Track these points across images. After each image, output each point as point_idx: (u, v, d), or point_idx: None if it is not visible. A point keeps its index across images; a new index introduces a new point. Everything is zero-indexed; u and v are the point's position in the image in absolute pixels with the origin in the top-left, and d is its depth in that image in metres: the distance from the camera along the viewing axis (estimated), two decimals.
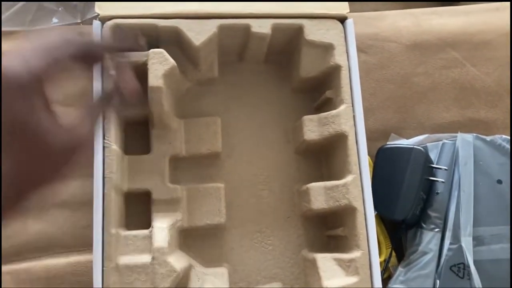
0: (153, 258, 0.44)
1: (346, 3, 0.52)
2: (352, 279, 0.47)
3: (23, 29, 0.58)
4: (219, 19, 0.50)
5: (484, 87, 0.61)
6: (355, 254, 0.47)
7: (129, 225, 0.50)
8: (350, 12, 0.52)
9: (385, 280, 0.54)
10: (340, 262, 0.48)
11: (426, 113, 0.60)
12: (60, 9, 0.60)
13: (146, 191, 0.50)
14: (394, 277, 0.53)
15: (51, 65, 0.26)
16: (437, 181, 0.54)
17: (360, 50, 0.57)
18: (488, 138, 0.56)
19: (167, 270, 0.44)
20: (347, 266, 0.48)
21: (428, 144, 0.57)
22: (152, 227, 0.47)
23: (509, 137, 0.56)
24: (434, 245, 0.52)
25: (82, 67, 0.33)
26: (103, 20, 0.49)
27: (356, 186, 0.48)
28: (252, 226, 0.54)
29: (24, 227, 0.52)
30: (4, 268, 0.51)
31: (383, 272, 0.53)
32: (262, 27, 0.50)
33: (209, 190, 0.51)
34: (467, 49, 0.62)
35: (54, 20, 0.60)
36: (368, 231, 0.48)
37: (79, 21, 0.59)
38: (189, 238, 0.52)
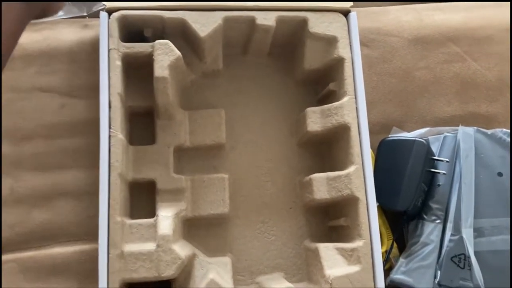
0: (158, 246, 0.45)
1: None
2: (354, 268, 0.47)
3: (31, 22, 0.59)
4: (224, 11, 0.51)
5: (485, 82, 0.62)
6: (357, 244, 0.48)
7: (134, 215, 0.51)
8: (353, 6, 0.53)
9: (387, 271, 0.54)
10: (342, 251, 0.49)
11: (428, 107, 0.61)
12: (66, 2, 0.60)
13: (151, 181, 0.51)
14: (396, 268, 0.53)
15: None
16: (438, 173, 0.54)
17: (362, 44, 0.58)
18: (489, 131, 0.57)
19: (172, 257, 0.45)
20: (349, 256, 0.48)
21: (429, 137, 0.57)
22: (157, 216, 0.48)
23: (509, 131, 0.57)
24: (435, 236, 0.53)
25: None
26: (110, 11, 0.50)
27: (359, 177, 0.49)
28: (255, 217, 0.55)
29: (30, 217, 0.53)
30: (10, 256, 0.52)
31: (384, 263, 0.54)
32: (267, 19, 0.51)
33: (213, 181, 0.52)
34: (469, 44, 0.63)
35: (60, 13, 0.60)
36: (370, 220, 0.48)
37: (85, 14, 0.59)
38: (193, 228, 0.53)
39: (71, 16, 0.60)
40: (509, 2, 0.66)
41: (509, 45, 0.63)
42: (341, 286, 0.46)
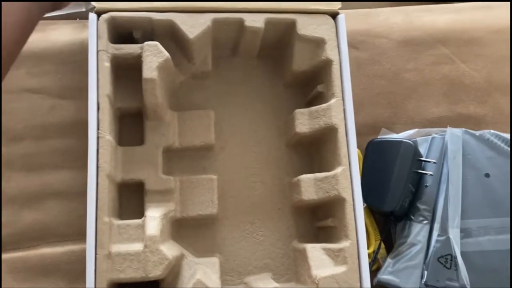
0: (145, 246, 0.45)
1: None
2: (341, 268, 0.48)
3: None
4: (213, 13, 0.51)
5: (474, 83, 0.62)
6: (343, 244, 0.48)
7: (122, 216, 0.51)
8: (342, 8, 0.53)
9: (374, 272, 0.54)
10: (329, 252, 0.49)
11: (416, 109, 0.61)
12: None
13: (140, 181, 0.51)
14: (383, 268, 0.54)
15: None
16: (426, 174, 0.55)
17: (351, 46, 0.58)
18: (477, 133, 0.57)
19: (159, 258, 0.45)
20: (336, 256, 0.49)
21: (417, 138, 0.58)
22: (145, 216, 0.48)
23: (497, 132, 0.57)
24: (422, 237, 0.53)
25: None
26: (99, 13, 0.50)
27: (346, 178, 0.49)
28: (244, 217, 0.55)
29: (20, 217, 0.53)
30: None
31: (372, 263, 0.54)
32: (256, 21, 0.51)
33: (202, 182, 0.52)
34: (457, 46, 0.63)
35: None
36: (357, 221, 0.49)
37: (72, 11, 0.60)
38: (182, 229, 0.53)
39: (61, 13, 0.60)
40: (508, 3, 0.66)
41: (498, 47, 0.63)
42: (328, 286, 0.46)
